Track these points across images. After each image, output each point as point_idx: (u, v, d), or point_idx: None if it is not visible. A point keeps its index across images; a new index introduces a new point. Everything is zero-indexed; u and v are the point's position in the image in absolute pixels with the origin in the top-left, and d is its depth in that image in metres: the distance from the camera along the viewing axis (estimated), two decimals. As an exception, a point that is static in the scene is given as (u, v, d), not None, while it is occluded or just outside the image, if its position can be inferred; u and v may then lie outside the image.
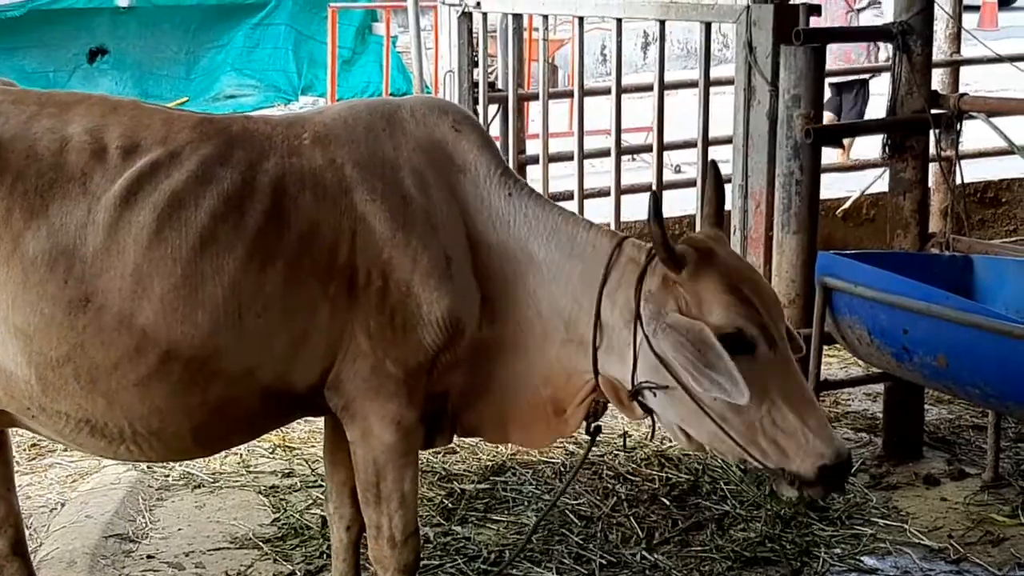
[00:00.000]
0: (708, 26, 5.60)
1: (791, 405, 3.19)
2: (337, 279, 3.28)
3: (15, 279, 3.15)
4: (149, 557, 4.43)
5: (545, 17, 6.78)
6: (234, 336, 3.22)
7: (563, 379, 3.47)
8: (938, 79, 6.81)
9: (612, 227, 6.39)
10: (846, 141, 7.76)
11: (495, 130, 7.19)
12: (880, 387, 5.53)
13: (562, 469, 5.13)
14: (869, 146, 6.37)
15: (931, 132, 5.19)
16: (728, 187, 5.56)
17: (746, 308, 3.20)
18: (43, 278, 3.15)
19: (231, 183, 3.25)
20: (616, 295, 3.34)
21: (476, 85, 7.15)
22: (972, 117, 5.56)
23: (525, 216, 3.45)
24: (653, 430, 3.53)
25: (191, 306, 3.18)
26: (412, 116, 3.46)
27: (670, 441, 5.43)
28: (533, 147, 7.24)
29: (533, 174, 7.05)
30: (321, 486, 4.93)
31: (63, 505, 4.81)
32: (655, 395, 3.30)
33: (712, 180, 3.46)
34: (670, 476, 5.05)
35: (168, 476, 5.02)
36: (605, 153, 7.06)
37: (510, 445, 5.33)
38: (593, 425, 3.62)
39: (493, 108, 7.19)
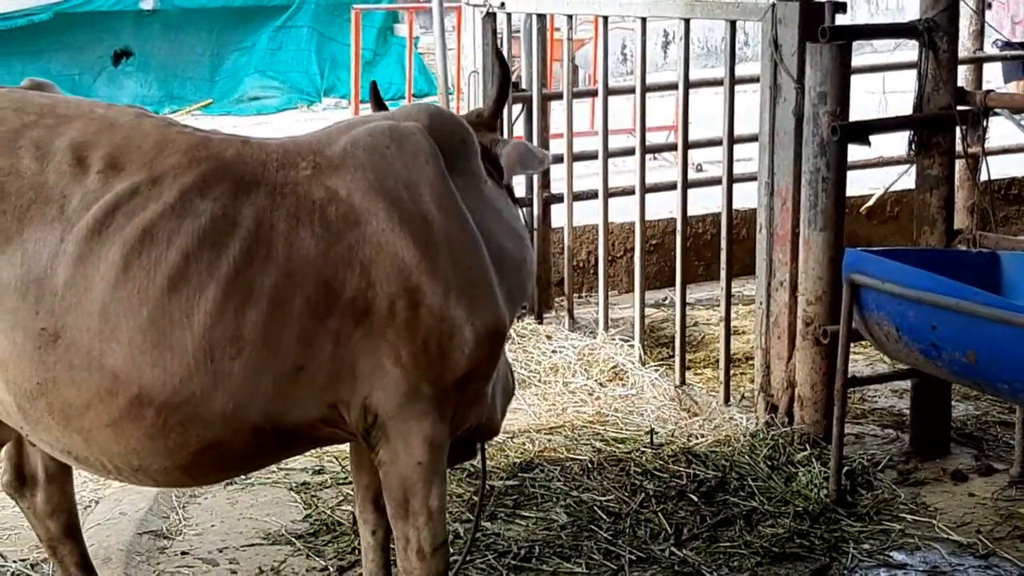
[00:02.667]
0: (733, 24, 5.61)
1: None
2: (341, 314, 3.14)
3: None
4: (183, 553, 4.47)
5: (569, 17, 6.81)
6: (209, 380, 3.05)
7: None
8: (961, 76, 6.82)
9: (637, 226, 6.43)
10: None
11: (519, 130, 7.23)
12: (907, 383, 5.54)
13: (589, 466, 5.16)
14: (894, 143, 6.38)
15: (957, 128, 5.20)
16: (753, 184, 5.62)
17: None
18: (15, 306, 3.00)
19: (209, 218, 3.07)
20: None
21: (501, 85, 7.17)
22: (997, 114, 5.57)
23: (495, 198, 3.52)
24: None
25: (160, 349, 3.01)
26: (413, 133, 3.34)
27: (697, 438, 5.46)
28: (556, 146, 7.27)
29: (557, 173, 7.08)
30: (352, 483, 4.96)
31: (97, 503, 4.86)
32: None
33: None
34: (697, 472, 5.07)
35: (200, 474, 5.06)
36: (628, 152, 7.09)
37: (538, 442, 5.39)
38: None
39: (517, 108, 7.23)
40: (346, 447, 5.26)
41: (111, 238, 3.02)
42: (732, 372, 5.94)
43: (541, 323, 6.96)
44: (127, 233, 3.03)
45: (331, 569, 4.35)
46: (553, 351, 6.44)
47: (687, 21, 5.87)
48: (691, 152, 6.70)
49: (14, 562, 4.32)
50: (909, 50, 5.82)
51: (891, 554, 4.48)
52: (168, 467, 3.18)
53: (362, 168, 3.24)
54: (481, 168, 3.51)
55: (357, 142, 3.30)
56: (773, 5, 5.22)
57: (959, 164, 5.77)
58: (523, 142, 3.90)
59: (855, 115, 5.21)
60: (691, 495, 4.89)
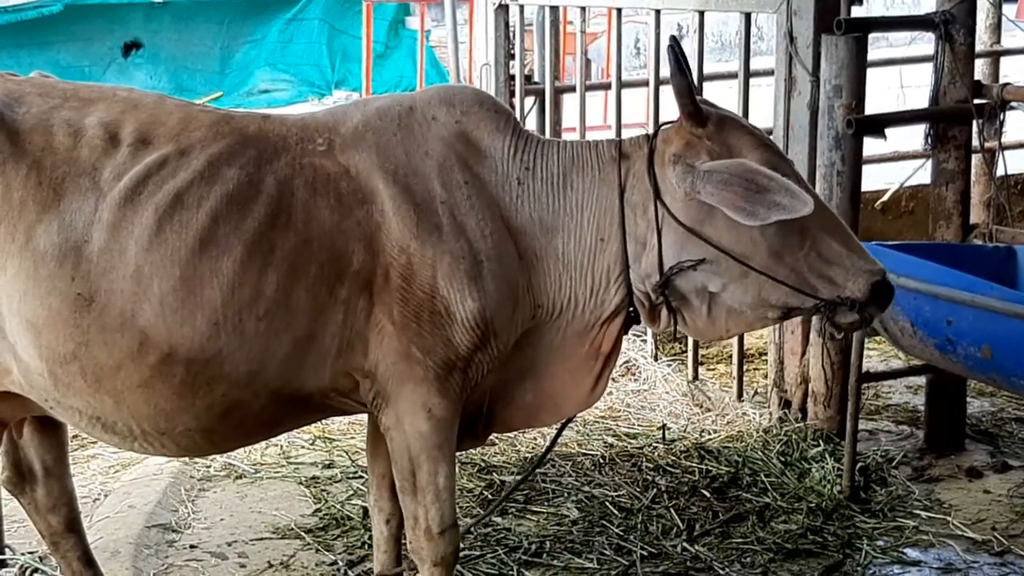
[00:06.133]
0: (748, 16, 5.57)
1: (831, 235, 3.32)
2: (349, 284, 3.24)
3: (27, 271, 3.15)
4: (192, 547, 4.45)
5: (582, 10, 6.77)
6: (235, 339, 3.18)
7: (598, 324, 3.47)
8: (979, 69, 6.77)
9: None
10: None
11: (531, 123, 7.20)
12: (921, 379, 5.51)
13: (601, 461, 5.13)
14: (909, 137, 6.33)
15: (974, 122, 5.16)
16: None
17: (773, 152, 3.35)
18: (52, 273, 3.13)
19: (235, 184, 3.20)
20: (634, 197, 3.37)
21: (512, 78, 7.16)
22: (1014, 108, 5.53)
23: (543, 183, 3.39)
24: (675, 333, 3.50)
25: (190, 308, 3.15)
26: (424, 113, 3.39)
27: (710, 433, 5.43)
28: (569, 140, 7.22)
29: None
30: (361, 477, 4.95)
31: (106, 496, 4.84)
32: (689, 278, 3.32)
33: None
34: (710, 468, 5.04)
35: (210, 467, 5.04)
36: (642, 145, 7.04)
37: (549, 437, 5.35)
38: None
39: (529, 101, 7.20)
40: (355, 441, 5.27)
41: (144, 204, 3.16)
42: (745, 367, 5.91)
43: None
44: (159, 199, 3.17)
45: (340, 563, 4.32)
46: (565, 346, 6.40)
47: (701, 13, 5.83)
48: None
49: (22, 554, 4.30)
50: (925, 43, 5.77)
51: (905, 551, 4.45)
52: (193, 429, 3.28)
53: (368, 148, 3.33)
54: (519, 154, 3.40)
55: (368, 123, 3.38)
56: (788, -3, 5.17)
57: (975, 158, 5.73)
58: (742, 165, 3.21)
59: (872, 110, 5.17)
60: (703, 491, 4.86)
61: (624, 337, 3.57)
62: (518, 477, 4.96)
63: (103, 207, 3.15)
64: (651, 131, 3.50)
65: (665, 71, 3.51)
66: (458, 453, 3.67)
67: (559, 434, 3.85)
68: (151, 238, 3.14)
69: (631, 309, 3.46)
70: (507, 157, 3.40)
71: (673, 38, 3.38)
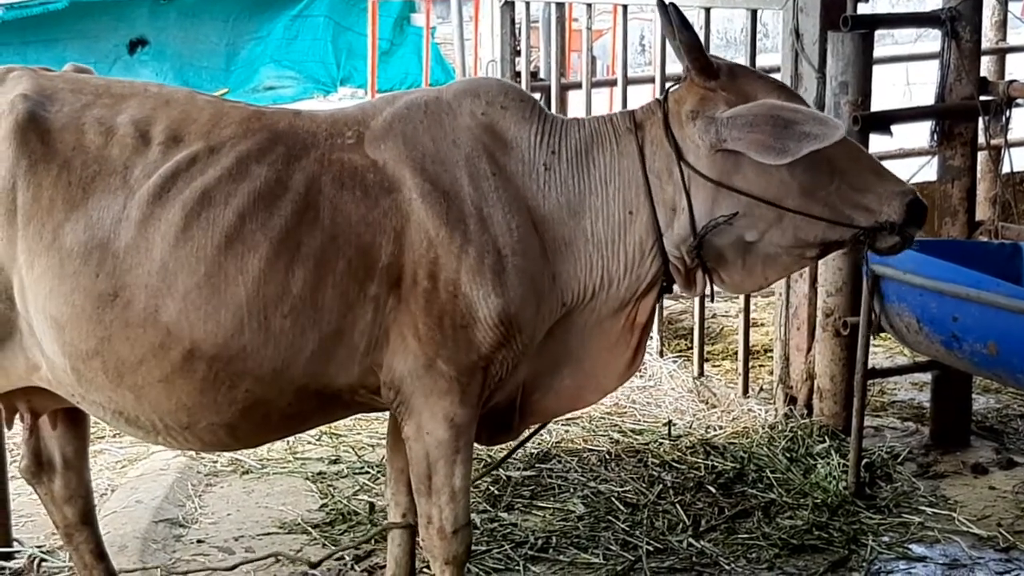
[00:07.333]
0: (754, 13, 5.58)
1: (857, 164, 3.33)
2: (379, 280, 3.23)
3: (52, 269, 3.17)
4: (199, 542, 4.47)
5: (588, 6, 6.78)
6: (260, 336, 3.19)
7: (634, 299, 3.45)
8: (984, 66, 6.76)
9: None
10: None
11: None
12: (927, 376, 5.50)
13: (607, 457, 5.14)
14: (916, 134, 6.34)
15: (980, 119, 5.17)
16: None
17: (790, 93, 3.37)
18: (77, 270, 3.16)
19: (264, 181, 3.21)
20: (656, 164, 3.36)
21: (518, 75, 7.18)
22: (1020, 104, 5.53)
23: (568, 164, 3.38)
24: (712, 295, 3.50)
25: (215, 305, 3.16)
26: (451, 104, 3.38)
27: (715, 429, 5.43)
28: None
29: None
30: (367, 472, 4.97)
31: (113, 490, 4.85)
32: (724, 233, 3.32)
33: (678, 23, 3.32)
34: (715, 464, 5.05)
35: (216, 462, 5.06)
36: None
37: (555, 433, 5.36)
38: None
39: (535, 98, 7.20)
40: (361, 437, 5.29)
41: (172, 201, 3.18)
42: (751, 364, 5.91)
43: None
44: (187, 196, 3.18)
45: (347, 558, 4.34)
46: (571, 342, 6.41)
47: (707, 10, 5.84)
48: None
49: (31, 548, 4.32)
50: (931, 40, 5.77)
51: (910, 547, 4.45)
52: (215, 424, 3.29)
53: (395, 138, 3.32)
54: (545, 140, 3.38)
55: (396, 114, 3.37)
56: (795, -7, 5.18)
57: (981, 155, 5.73)
58: (765, 103, 3.22)
59: (878, 106, 5.17)
60: (709, 486, 4.87)
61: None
62: (525, 473, 4.98)
63: (132, 204, 3.17)
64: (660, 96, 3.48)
65: (671, 68, 3.50)
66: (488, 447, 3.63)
67: (539, 429, 3.86)
68: (178, 234, 3.15)
69: (664, 279, 3.45)
70: (534, 145, 3.38)
71: (660, 1, 3.38)
